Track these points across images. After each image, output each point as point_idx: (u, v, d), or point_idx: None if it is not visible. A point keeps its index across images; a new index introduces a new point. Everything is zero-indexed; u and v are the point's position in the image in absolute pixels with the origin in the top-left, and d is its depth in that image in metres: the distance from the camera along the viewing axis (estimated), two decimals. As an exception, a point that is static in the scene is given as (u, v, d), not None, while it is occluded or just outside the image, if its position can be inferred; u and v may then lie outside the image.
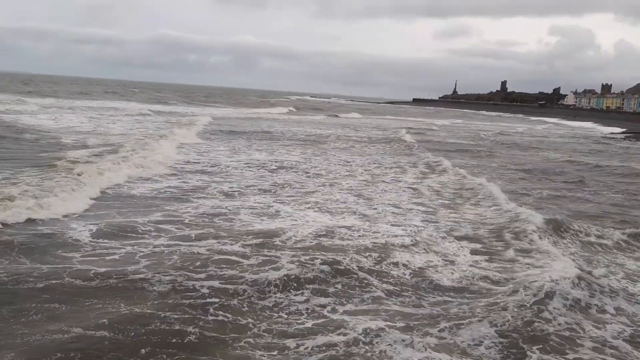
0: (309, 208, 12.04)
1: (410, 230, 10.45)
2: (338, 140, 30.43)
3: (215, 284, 7.20)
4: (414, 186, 15.88)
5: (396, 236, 9.95)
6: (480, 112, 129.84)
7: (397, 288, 7.53)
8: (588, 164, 24.60)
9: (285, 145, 25.35)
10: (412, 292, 7.44)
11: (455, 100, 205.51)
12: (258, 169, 17.34)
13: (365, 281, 7.68)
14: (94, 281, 7.06)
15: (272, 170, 17.38)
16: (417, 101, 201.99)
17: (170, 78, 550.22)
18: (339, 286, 7.44)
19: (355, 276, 7.79)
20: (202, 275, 7.45)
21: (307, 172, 17.38)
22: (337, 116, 63.30)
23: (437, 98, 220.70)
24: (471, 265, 8.66)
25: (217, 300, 6.73)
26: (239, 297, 6.85)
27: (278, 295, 7.02)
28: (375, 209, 12.40)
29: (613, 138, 49.00)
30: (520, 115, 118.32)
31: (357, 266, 8.10)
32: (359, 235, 9.83)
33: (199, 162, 18.16)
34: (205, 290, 6.96)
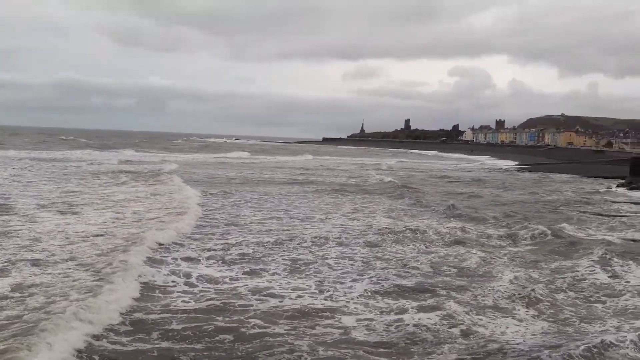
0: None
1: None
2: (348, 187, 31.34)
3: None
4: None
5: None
6: (392, 150, 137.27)
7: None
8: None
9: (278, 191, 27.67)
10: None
11: (363, 139, 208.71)
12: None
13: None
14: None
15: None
16: (326, 140, 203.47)
17: (75, 122, 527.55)
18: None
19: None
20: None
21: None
22: (283, 158, 66.73)
23: (345, 137, 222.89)
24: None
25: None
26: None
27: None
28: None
29: (509, 170, 56.27)
30: (435, 152, 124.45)
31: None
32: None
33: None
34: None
